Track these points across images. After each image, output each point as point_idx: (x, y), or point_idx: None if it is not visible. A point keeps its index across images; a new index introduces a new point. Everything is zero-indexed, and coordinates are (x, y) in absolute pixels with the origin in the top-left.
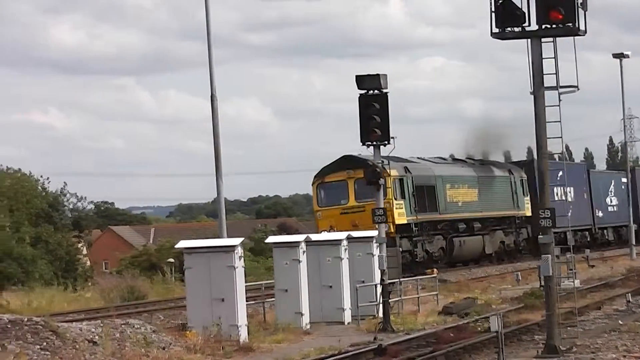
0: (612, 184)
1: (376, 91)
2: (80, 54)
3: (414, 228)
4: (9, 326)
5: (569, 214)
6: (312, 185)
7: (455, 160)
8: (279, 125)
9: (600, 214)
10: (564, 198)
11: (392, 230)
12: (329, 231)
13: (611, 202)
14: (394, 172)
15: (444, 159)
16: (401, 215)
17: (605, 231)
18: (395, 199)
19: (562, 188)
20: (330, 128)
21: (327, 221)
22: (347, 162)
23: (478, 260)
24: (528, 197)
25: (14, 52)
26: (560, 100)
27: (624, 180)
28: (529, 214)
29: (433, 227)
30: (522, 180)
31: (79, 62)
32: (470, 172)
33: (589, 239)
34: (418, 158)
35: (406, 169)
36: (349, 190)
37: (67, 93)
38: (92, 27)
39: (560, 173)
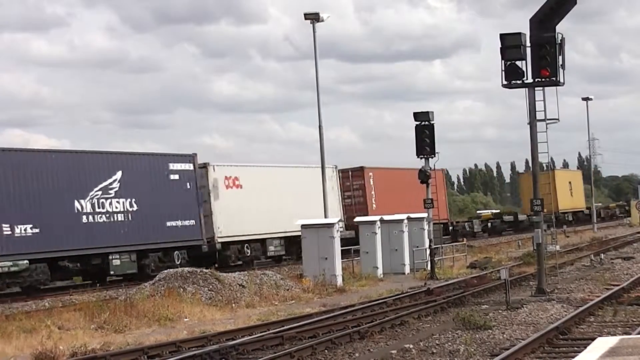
0: None
1: (426, 122)
2: (234, 99)
3: None
4: (187, 275)
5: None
6: None
7: None
8: (363, 144)
9: None
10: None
11: None
12: None
13: None
14: None
15: None
16: None
17: None
18: None
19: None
20: (396, 146)
21: None
22: None
23: None
24: None
25: (195, 98)
26: (547, 128)
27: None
28: None
29: None
30: None
31: (234, 105)
32: None
33: None
34: None
35: None
36: None
37: (226, 124)
38: (242, 82)
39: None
